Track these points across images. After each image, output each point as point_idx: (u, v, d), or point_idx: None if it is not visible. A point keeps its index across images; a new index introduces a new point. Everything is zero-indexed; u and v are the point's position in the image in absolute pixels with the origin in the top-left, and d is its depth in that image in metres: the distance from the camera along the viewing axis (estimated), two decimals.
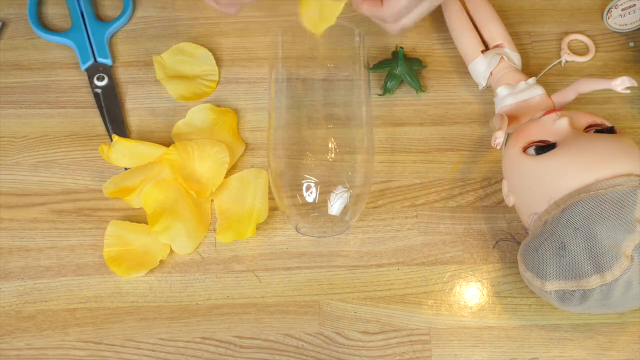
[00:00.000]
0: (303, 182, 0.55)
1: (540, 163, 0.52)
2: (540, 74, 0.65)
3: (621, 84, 0.56)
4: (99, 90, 0.64)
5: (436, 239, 0.59)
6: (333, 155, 0.56)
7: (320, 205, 0.55)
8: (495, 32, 0.64)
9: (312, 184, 0.55)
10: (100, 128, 0.63)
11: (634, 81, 0.56)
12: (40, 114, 0.63)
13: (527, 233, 0.56)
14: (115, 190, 0.58)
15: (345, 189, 0.55)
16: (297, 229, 0.56)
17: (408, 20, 0.55)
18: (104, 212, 0.59)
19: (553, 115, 0.55)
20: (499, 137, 0.55)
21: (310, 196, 0.55)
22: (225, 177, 0.59)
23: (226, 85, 0.65)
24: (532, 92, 0.60)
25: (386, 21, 0.55)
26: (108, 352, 0.54)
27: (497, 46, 0.64)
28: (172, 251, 0.57)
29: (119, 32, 0.68)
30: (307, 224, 0.57)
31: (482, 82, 0.63)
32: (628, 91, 0.56)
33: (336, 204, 0.55)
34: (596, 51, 0.67)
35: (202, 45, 0.66)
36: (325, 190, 0.55)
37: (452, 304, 0.56)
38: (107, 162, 0.60)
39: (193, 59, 0.66)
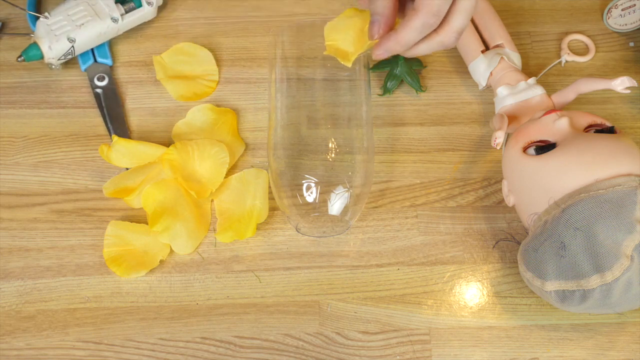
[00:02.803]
0: (303, 182, 0.55)
1: (540, 163, 0.52)
2: (540, 74, 0.65)
3: (621, 84, 0.56)
4: (99, 91, 0.64)
5: (436, 239, 0.59)
6: (333, 155, 0.56)
7: (321, 205, 0.55)
8: (495, 32, 0.64)
9: (312, 184, 0.55)
10: (100, 128, 0.63)
11: (634, 81, 0.56)
12: (40, 114, 0.63)
13: (527, 233, 0.56)
14: (115, 190, 0.58)
15: (346, 189, 0.55)
16: (297, 229, 0.56)
17: (458, 19, 0.47)
18: (104, 212, 0.59)
19: (553, 115, 0.55)
20: (499, 137, 0.55)
21: (311, 196, 0.55)
22: (225, 177, 0.59)
23: (226, 85, 0.65)
24: (532, 92, 0.60)
25: (432, 26, 0.46)
26: (108, 352, 0.54)
27: (497, 46, 0.64)
28: (172, 251, 0.57)
29: None
30: (307, 224, 0.57)
31: (482, 82, 0.63)
32: (628, 91, 0.56)
33: (336, 204, 0.55)
34: (596, 51, 0.67)
35: (202, 45, 0.66)
36: (326, 190, 0.55)
37: (452, 304, 0.56)
38: (107, 162, 0.59)
39: (193, 59, 0.66)
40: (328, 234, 0.57)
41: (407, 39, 0.47)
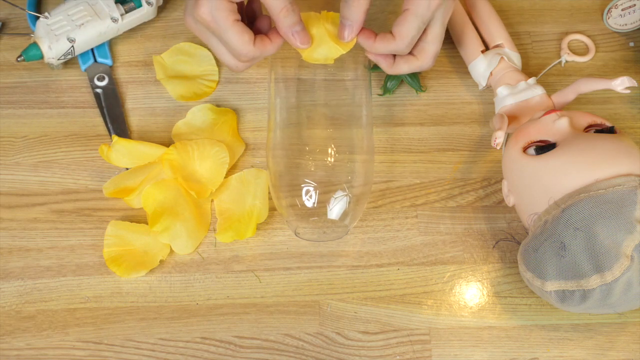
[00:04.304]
0: (303, 185, 0.55)
1: (540, 163, 0.52)
2: (540, 74, 0.65)
3: (621, 84, 0.56)
4: (99, 91, 0.64)
5: (436, 239, 0.59)
6: (333, 156, 0.56)
7: (320, 209, 0.54)
8: (495, 32, 0.64)
9: (312, 188, 0.54)
10: (100, 128, 0.63)
11: (634, 81, 0.56)
12: (40, 114, 0.63)
13: (527, 233, 0.56)
14: (115, 190, 0.58)
15: (345, 193, 0.55)
16: (296, 233, 0.56)
17: (432, 46, 0.55)
18: (104, 212, 0.59)
19: (553, 115, 0.55)
20: (499, 137, 0.55)
21: (310, 200, 0.54)
22: (225, 177, 0.59)
23: (226, 85, 0.65)
24: (532, 92, 0.60)
25: (403, 52, 0.54)
26: (108, 352, 0.54)
27: (497, 46, 0.64)
28: (172, 251, 0.57)
29: None
30: (306, 227, 0.57)
31: (482, 82, 0.63)
32: (628, 91, 0.56)
33: (335, 208, 0.55)
34: (596, 51, 0.67)
35: (202, 45, 0.66)
36: (325, 192, 0.55)
37: (452, 304, 0.56)
38: (107, 162, 0.59)
39: (193, 59, 0.66)
40: (327, 238, 0.57)
41: (378, 50, 0.55)
